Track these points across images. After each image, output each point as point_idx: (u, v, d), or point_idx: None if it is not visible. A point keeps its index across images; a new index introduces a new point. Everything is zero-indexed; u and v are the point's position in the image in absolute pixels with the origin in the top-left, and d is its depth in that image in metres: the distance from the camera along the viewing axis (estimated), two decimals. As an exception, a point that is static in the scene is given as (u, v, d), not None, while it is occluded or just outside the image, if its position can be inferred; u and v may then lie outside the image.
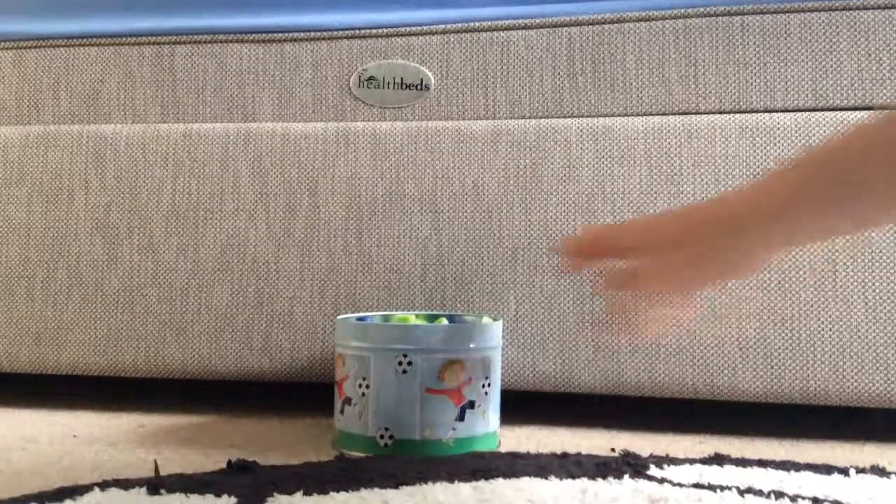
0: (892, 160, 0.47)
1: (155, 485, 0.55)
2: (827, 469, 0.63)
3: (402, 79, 0.87)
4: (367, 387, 0.67)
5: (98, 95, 0.92)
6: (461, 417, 0.66)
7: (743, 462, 0.66)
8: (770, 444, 0.74)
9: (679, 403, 0.81)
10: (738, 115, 0.80)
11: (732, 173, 0.79)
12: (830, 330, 0.76)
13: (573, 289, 0.79)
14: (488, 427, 0.69)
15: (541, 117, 0.84)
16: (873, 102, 0.79)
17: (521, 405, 0.89)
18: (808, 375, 0.76)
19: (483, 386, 0.68)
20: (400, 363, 0.66)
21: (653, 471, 0.62)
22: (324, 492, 0.55)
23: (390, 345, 0.66)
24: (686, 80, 0.82)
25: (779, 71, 0.81)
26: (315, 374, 0.83)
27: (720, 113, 0.81)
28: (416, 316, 0.76)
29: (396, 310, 0.81)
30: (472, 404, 0.67)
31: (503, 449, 0.70)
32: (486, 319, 0.74)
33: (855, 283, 0.76)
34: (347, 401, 0.68)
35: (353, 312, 0.83)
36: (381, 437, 0.66)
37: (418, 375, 0.66)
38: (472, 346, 0.68)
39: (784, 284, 0.77)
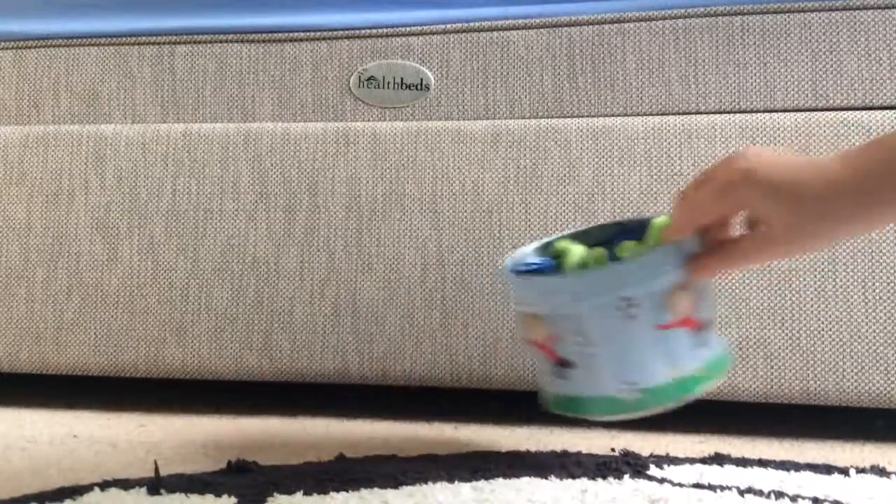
0: None
1: (155, 485, 0.55)
2: (827, 469, 0.63)
3: (402, 79, 0.87)
4: (590, 344, 0.58)
5: (98, 95, 0.92)
6: (703, 343, 0.59)
7: (743, 462, 0.66)
8: (770, 444, 0.74)
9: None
10: (738, 115, 0.80)
11: (732, 173, 0.79)
12: (830, 330, 0.76)
13: (573, 289, 0.79)
14: (725, 346, 0.62)
15: (541, 117, 0.84)
16: (873, 102, 0.79)
17: (521, 405, 0.89)
18: (808, 375, 0.76)
19: (711, 304, 0.60)
20: (620, 308, 0.56)
21: (653, 471, 0.62)
22: (324, 492, 0.55)
23: (604, 294, 0.57)
24: (686, 80, 0.82)
25: (779, 71, 0.81)
26: (315, 374, 0.83)
27: (720, 113, 0.81)
28: (566, 238, 0.67)
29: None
30: (708, 324, 0.59)
31: (502, 449, 0.69)
32: (663, 219, 0.62)
33: (855, 283, 0.76)
34: (566, 363, 0.59)
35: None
36: (626, 391, 0.58)
37: (647, 315, 0.57)
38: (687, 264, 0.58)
39: (784, 284, 0.77)
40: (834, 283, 0.76)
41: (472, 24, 0.86)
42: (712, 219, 0.57)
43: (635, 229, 0.64)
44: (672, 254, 0.57)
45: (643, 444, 0.72)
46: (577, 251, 0.64)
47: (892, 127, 0.77)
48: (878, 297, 0.76)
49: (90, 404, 0.89)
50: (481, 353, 0.80)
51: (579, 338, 0.58)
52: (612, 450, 0.69)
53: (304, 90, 0.89)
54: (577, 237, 0.67)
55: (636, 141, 0.81)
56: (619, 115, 0.83)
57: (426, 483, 0.57)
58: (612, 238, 0.66)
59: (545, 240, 0.68)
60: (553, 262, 0.65)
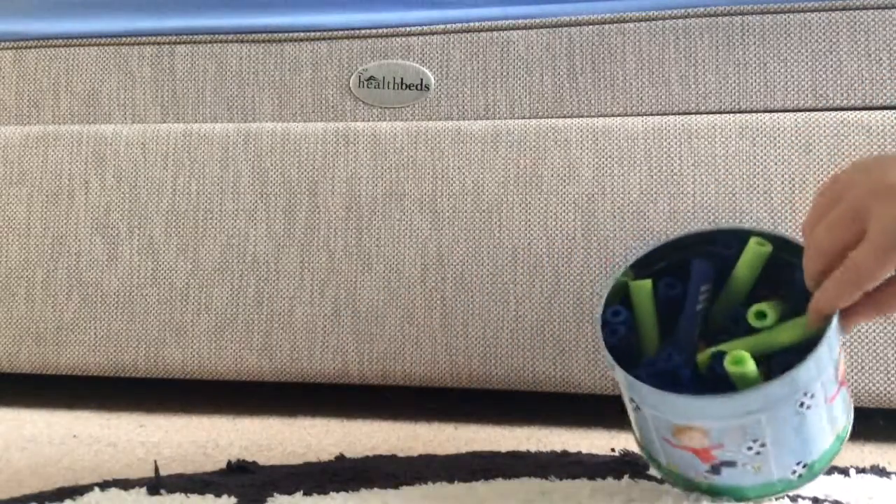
0: None
1: (155, 485, 0.55)
2: (827, 469, 0.63)
3: (402, 79, 0.87)
4: (763, 445, 0.53)
5: (98, 95, 0.92)
6: (845, 397, 0.56)
7: (743, 462, 0.65)
8: (770, 444, 0.74)
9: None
10: (738, 115, 0.80)
11: (732, 173, 0.79)
12: (830, 330, 0.76)
13: (573, 289, 0.79)
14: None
15: (541, 117, 0.84)
16: (873, 102, 0.79)
17: (521, 405, 0.89)
18: (808, 375, 0.76)
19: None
20: (802, 404, 0.52)
21: (653, 471, 0.62)
22: (324, 492, 0.55)
23: (784, 402, 0.52)
24: (686, 80, 0.82)
25: (779, 71, 0.81)
26: (315, 374, 0.83)
27: (720, 113, 0.81)
28: (628, 271, 0.59)
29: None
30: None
31: (502, 449, 0.69)
32: (755, 243, 0.58)
33: (855, 283, 0.76)
34: (727, 464, 0.54)
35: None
36: (794, 472, 0.55)
37: (821, 399, 0.53)
38: (838, 333, 0.53)
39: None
40: (834, 283, 0.76)
41: (472, 24, 0.86)
42: (878, 282, 0.49)
43: (698, 244, 0.60)
44: (837, 329, 0.52)
45: (643, 444, 0.72)
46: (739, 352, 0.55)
47: (892, 127, 0.77)
48: (878, 297, 0.75)
49: (90, 404, 0.89)
50: (481, 353, 0.80)
51: (750, 442, 0.53)
52: (612, 450, 0.69)
53: (304, 90, 0.89)
54: (641, 266, 0.60)
55: (636, 141, 0.81)
56: (619, 115, 0.83)
57: (426, 483, 0.57)
58: (679, 256, 0.60)
59: (611, 281, 0.60)
60: (628, 313, 0.59)
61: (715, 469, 0.55)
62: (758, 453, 0.53)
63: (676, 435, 0.54)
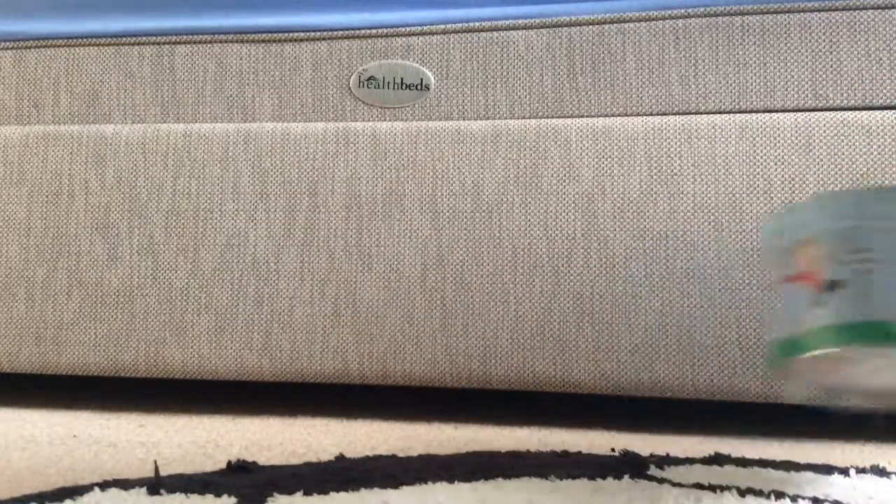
0: None
1: (155, 485, 0.55)
2: (827, 469, 0.63)
3: (402, 79, 0.87)
4: (871, 260, 0.48)
5: (98, 95, 0.92)
6: None
7: (743, 462, 0.66)
8: (770, 444, 0.74)
9: (679, 403, 0.81)
10: (738, 115, 0.80)
11: (732, 173, 0.79)
12: (830, 330, 0.76)
13: (573, 289, 0.80)
14: None
15: (541, 117, 0.85)
16: (873, 102, 0.79)
17: (521, 405, 0.89)
18: (808, 375, 0.76)
19: None
20: None
21: (653, 471, 0.62)
22: (324, 492, 0.55)
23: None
24: (686, 81, 0.82)
25: (779, 71, 0.81)
26: (315, 374, 0.83)
27: (720, 113, 0.81)
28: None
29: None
30: None
31: (502, 449, 0.69)
32: None
33: (855, 283, 0.76)
34: (834, 285, 0.50)
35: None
36: None
37: None
38: None
39: (784, 284, 0.77)
40: (834, 283, 0.76)
41: (472, 24, 0.86)
42: None
43: None
44: None
45: (643, 444, 0.72)
46: None
47: (892, 127, 0.77)
48: (878, 297, 0.75)
49: (90, 404, 0.89)
50: (481, 353, 0.80)
51: (854, 254, 0.49)
52: (612, 450, 0.69)
53: (304, 90, 0.89)
54: None
55: (636, 141, 0.81)
56: (619, 115, 0.83)
57: (426, 483, 0.57)
58: None
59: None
60: None
61: (818, 298, 0.50)
62: (868, 270, 0.49)
63: (793, 259, 0.51)
